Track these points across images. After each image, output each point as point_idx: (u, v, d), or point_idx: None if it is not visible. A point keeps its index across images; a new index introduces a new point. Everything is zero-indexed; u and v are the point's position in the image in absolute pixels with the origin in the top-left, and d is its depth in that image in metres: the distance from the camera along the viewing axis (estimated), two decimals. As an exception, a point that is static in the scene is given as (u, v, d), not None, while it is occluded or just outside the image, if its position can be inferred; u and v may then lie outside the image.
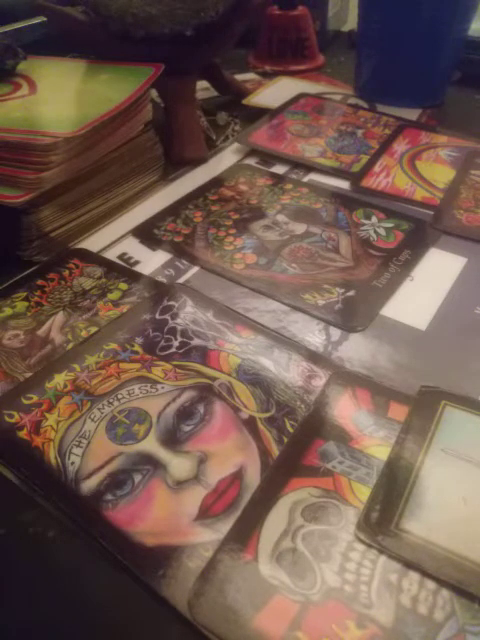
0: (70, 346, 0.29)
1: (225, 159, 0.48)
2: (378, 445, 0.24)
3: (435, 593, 0.19)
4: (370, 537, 0.20)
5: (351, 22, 0.78)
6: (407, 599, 0.19)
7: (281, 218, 0.39)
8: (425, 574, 0.20)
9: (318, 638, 0.18)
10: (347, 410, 0.25)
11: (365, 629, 0.18)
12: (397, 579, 0.19)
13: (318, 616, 0.19)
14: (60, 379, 0.27)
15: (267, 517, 0.21)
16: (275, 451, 0.24)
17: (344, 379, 0.27)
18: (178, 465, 0.23)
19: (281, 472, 0.23)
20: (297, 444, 0.24)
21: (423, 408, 0.25)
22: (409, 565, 0.20)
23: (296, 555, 0.20)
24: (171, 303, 0.32)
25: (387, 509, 0.21)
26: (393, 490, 0.22)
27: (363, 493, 0.22)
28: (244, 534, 0.21)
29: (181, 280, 0.34)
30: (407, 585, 0.19)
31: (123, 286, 0.33)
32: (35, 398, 0.26)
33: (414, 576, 0.20)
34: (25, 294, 0.33)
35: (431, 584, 0.19)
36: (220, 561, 0.20)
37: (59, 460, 0.23)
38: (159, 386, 0.27)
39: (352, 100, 0.57)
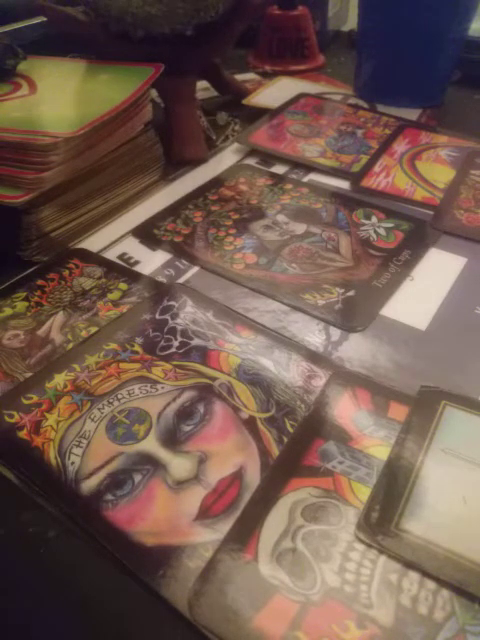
0: (70, 346, 0.29)
1: (225, 159, 0.48)
2: (378, 445, 0.24)
3: (435, 593, 0.19)
4: (370, 537, 0.20)
5: (351, 22, 0.78)
6: (407, 599, 0.19)
7: (281, 218, 0.39)
8: (425, 574, 0.20)
9: (318, 638, 0.18)
10: (347, 410, 0.25)
11: (365, 629, 0.18)
12: (397, 579, 0.19)
13: (318, 616, 0.19)
14: (60, 379, 0.27)
15: (267, 517, 0.21)
16: (275, 451, 0.24)
17: (344, 379, 0.27)
18: (178, 465, 0.23)
19: (281, 472, 0.23)
20: (297, 444, 0.24)
21: (423, 408, 0.25)
22: (409, 565, 0.20)
23: (296, 555, 0.20)
24: (171, 303, 0.32)
25: (387, 509, 0.21)
26: (393, 490, 0.22)
27: (363, 493, 0.22)
28: (244, 534, 0.21)
29: (181, 280, 0.34)
30: (407, 585, 0.19)
31: (123, 286, 0.33)
32: (35, 398, 0.26)
33: (414, 576, 0.20)
34: (25, 294, 0.33)
35: (431, 584, 0.19)
36: (220, 561, 0.20)
37: (59, 460, 0.23)
38: (159, 386, 0.27)
39: (352, 100, 0.57)
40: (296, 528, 0.21)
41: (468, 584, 0.19)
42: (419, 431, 0.24)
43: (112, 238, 0.38)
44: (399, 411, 0.25)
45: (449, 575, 0.19)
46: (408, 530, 0.21)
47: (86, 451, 0.24)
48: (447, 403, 0.25)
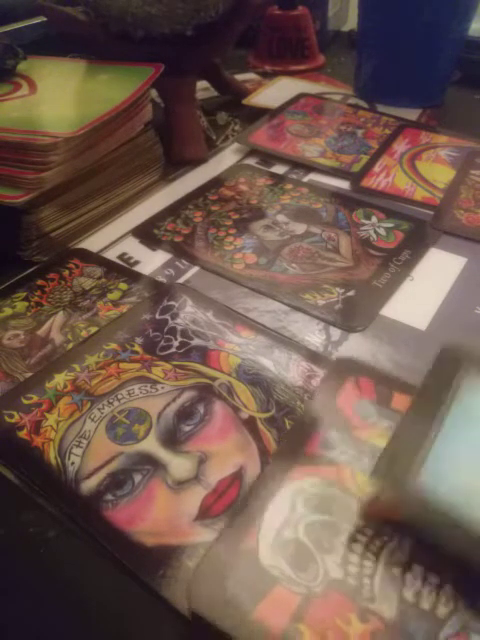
0: (70, 346, 0.29)
1: (225, 159, 0.48)
2: (381, 435, 0.24)
3: (438, 588, 0.19)
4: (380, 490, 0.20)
5: (351, 22, 0.78)
6: (410, 593, 0.19)
7: (281, 218, 0.39)
8: (431, 550, 0.20)
9: (321, 631, 0.18)
10: (350, 399, 0.25)
11: (368, 623, 0.18)
12: (400, 573, 0.19)
13: (321, 608, 0.19)
14: (60, 379, 0.27)
15: (268, 507, 0.21)
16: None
17: (347, 368, 0.27)
18: (178, 465, 0.23)
19: (283, 461, 0.23)
20: (299, 433, 0.24)
21: (443, 369, 0.25)
22: (420, 536, 0.20)
23: (298, 546, 0.20)
24: (171, 303, 0.32)
25: (402, 462, 0.21)
26: (408, 445, 0.22)
27: (365, 483, 0.22)
28: (245, 524, 0.21)
29: (181, 280, 0.34)
30: (410, 579, 0.19)
31: (123, 286, 0.33)
32: (35, 398, 0.26)
33: (417, 570, 0.19)
34: (25, 294, 0.33)
35: (434, 579, 0.19)
36: (220, 551, 0.20)
37: (59, 460, 0.23)
38: (159, 386, 0.27)
39: (352, 100, 0.57)
40: (298, 518, 0.21)
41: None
42: (439, 392, 0.24)
43: (112, 238, 0.38)
44: (403, 401, 0.25)
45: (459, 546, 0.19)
46: (422, 485, 0.20)
47: (86, 451, 0.24)
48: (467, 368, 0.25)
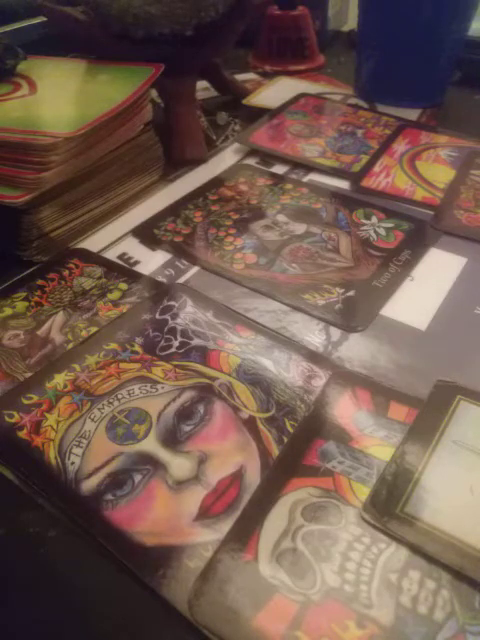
0: (70, 346, 0.29)
1: (225, 159, 0.48)
2: (378, 445, 0.24)
3: (435, 593, 0.19)
4: (375, 518, 0.21)
5: (351, 22, 0.78)
6: (407, 599, 0.19)
7: (281, 218, 0.39)
8: (426, 557, 0.20)
9: (318, 638, 0.18)
10: (347, 410, 0.25)
11: (365, 629, 0.18)
12: (397, 579, 0.19)
13: (318, 616, 0.19)
14: (60, 379, 0.27)
15: (267, 517, 0.21)
16: (275, 451, 0.24)
17: (344, 379, 0.27)
18: (178, 465, 0.23)
19: (281, 472, 0.23)
20: (297, 444, 0.24)
21: (438, 401, 0.25)
22: (412, 548, 0.20)
23: (296, 555, 0.20)
24: (171, 303, 0.32)
25: (394, 493, 0.22)
26: (402, 475, 0.22)
27: (363, 493, 0.22)
28: (244, 534, 0.21)
29: (181, 280, 0.34)
30: (407, 585, 0.19)
31: (123, 286, 0.33)
32: (35, 398, 0.26)
33: (414, 576, 0.20)
34: (25, 294, 0.33)
35: (431, 584, 0.19)
36: (220, 561, 0.20)
37: (59, 460, 0.23)
38: (159, 386, 0.27)
39: (352, 100, 0.57)
40: (296, 528, 0.21)
41: (467, 569, 0.19)
42: (432, 422, 0.24)
43: (112, 238, 0.38)
44: (399, 411, 0.25)
45: (450, 559, 0.20)
46: (413, 514, 0.21)
47: (86, 451, 0.24)
48: (462, 398, 0.26)
